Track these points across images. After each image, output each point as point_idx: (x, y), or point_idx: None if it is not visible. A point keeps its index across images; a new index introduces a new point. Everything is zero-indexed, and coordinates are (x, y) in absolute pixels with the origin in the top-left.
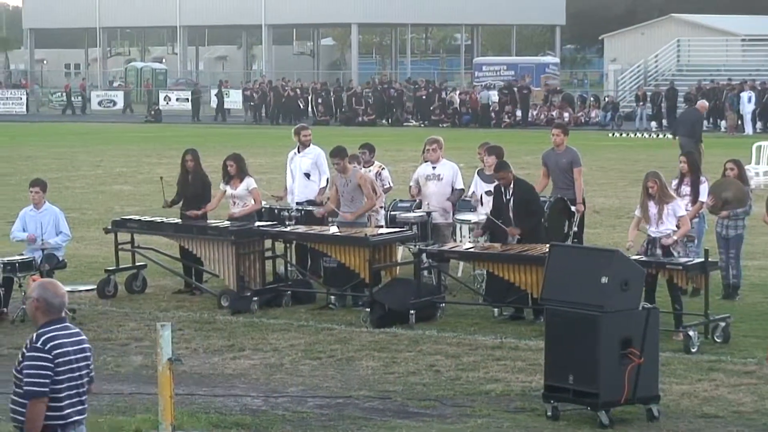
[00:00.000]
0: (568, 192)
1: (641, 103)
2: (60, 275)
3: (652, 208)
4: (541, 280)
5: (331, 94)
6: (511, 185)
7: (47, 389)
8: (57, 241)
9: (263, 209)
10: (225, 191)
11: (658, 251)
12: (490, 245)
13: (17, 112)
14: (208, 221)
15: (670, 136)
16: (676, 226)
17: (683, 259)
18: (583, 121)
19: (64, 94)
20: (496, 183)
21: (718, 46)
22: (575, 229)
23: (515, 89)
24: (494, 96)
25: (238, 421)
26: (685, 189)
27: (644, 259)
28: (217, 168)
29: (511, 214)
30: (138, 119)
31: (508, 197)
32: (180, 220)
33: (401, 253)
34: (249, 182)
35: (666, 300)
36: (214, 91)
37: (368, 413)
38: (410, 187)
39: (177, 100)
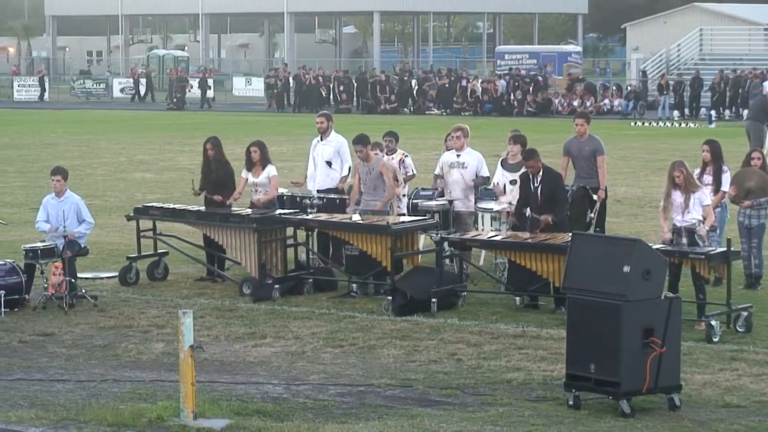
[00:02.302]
0: (591, 181)
1: (664, 92)
2: (82, 262)
3: (678, 197)
4: (563, 269)
5: (353, 81)
6: (540, 173)
7: None
8: (81, 230)
9: (285, 197)
10: (247, 179)
11: (684, 240)
12: (512, 234)
13: (37, 98)
14: (231, 209)
15: (692, 125)
16: (702, 216)
17: (706, 249)
18: (605, 110)
19: (131, 81)
20: (523, 171)
21: (741, 35)
22: (591, 215)
23: (539, 78)
24: (504, 84)
25: (259, 409)
26: (707, 178)
27: (667, 248)
28: (239, 156)
29: (540, 201)
30: (160, 107)
31: (536, 185)
32: (203, 208)
33: (423, 241)
34: (270, 169)
35: (689, 289)
36: (235, 79)
37: (389, 401)
38: (435, 175)
39: (199, 87)
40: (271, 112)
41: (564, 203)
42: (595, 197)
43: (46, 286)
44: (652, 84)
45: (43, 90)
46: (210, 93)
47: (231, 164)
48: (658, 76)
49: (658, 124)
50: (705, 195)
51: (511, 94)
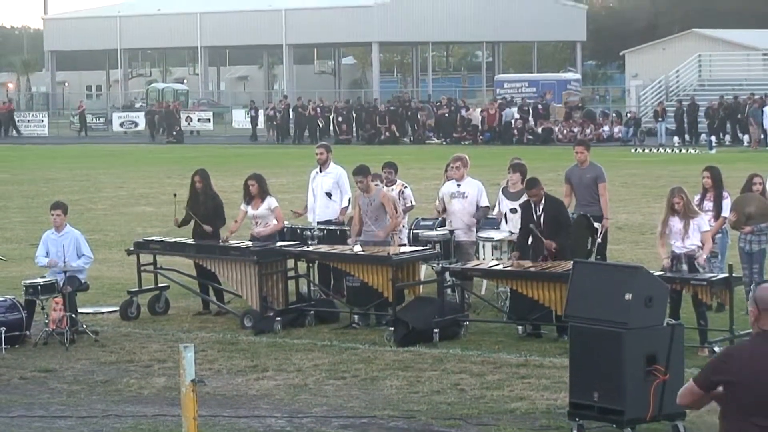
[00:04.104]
0: (592, 208)
1: (660, 119)
2: (82, 297)
3: (677, 223)
4: (565, 297)
5: (353, 113)
6: (542, 201)
7: None
8: (80, 264)
9: (285, 229)
10: (246, 212)
11: (684, 267)
12: (513, 262)
13: (39, 134)
14: (230, 242)
15: (693, 150)
16: (701, 242)
17: (708, 275)
18: (605, 137)
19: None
20: (525, 199)
21: (740, 61)
22: (598, 240)
23: (539, 106)
24: (515, 113)
25: None
26: (708, 204)
27: (668, 275)
28: (238, 188)
29: (540, 231)
30: (160, 140)
31: (538, 213)
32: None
33: (424, 271)
34: (271, 202)
35: (690, 316)
36: (236, 111)
37: None
38: (436, 205)
39: (198, 120)
40: (272, 144)
41: (567, 229)
42: (597, 225)
43: (46, 321)
44: (652, 110)
45: (83, 126)
46: (209, 125)
47: (219, 196)
48: (657, 102)
49: (658, 150)
50: (704, 221)
51: (514, 123)
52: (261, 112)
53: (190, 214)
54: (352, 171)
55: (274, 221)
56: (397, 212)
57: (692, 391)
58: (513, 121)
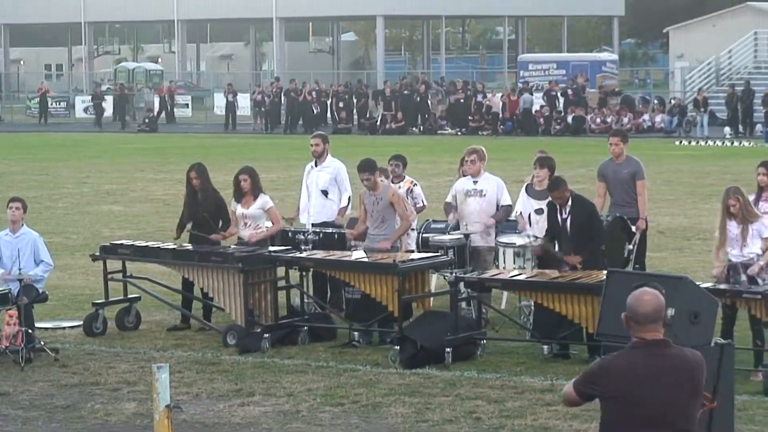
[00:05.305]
0: (629, 209)
1: (701, 110)
2: (40, 310)
3: (734, 228)
4: (598, 313)
5: (354, 97)
6: (569, 203)
7: None
8: (38, 273)
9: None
10: (235, 211)
11: (743, 278)
12: (539, 272)
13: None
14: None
15: (746, 143)
16: (762, 250)
17: (764, 287)
18: (645, 127)
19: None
20: (549, 200)
21: None
22: (630, 247)
23: (569, 91)
24: (538, 100)
25: None
26: (764, 206)
27: (718, 287)
28: (223, 185)
29: (568, 237)
30: (130, 128)
31: (564, 217)
32: (189, 245)
33: (435, 281)
34: (265, 200)
35: (744, 334)
36: (217, 95)
37: None
38: (446, 203)
39: (175, 105)
40: (260, 134)
41: (600, 237)
42: (633, 228)
43: None
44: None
45: (44, 112)
46: (188, 111)
47: (220, 194)
48: (706, 88)
49: (707, 143)
50: (765, 226)
51: (539, 110)
52: (246, 97)
53: (196, 234)
54: (356, 166)
55: (267, 224)
56: (408, 212)
57: (574, 399)
58: (534, 109)
